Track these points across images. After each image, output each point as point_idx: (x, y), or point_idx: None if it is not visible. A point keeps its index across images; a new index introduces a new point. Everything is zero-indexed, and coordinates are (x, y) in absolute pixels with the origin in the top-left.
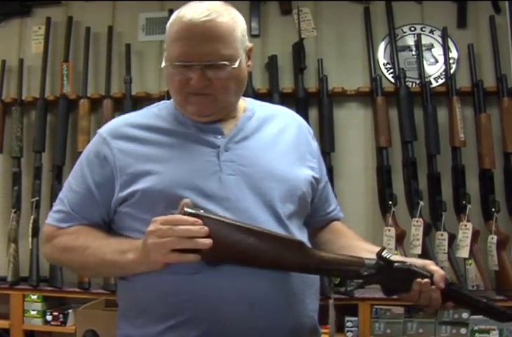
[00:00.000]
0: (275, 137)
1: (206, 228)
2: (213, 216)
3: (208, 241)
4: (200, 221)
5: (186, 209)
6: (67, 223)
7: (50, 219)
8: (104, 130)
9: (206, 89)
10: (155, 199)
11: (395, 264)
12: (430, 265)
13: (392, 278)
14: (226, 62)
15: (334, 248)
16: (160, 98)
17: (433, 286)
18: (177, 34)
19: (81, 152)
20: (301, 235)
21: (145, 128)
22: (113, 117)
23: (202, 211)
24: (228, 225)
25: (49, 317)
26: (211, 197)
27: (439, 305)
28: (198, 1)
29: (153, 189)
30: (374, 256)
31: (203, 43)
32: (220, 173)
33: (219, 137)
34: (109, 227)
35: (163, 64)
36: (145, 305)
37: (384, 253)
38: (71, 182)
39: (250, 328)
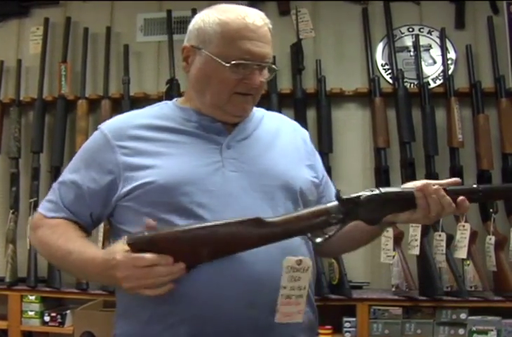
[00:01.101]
0: (273, 138)
1: (170, 258)
2: (162, 232)
3: (181, 266)
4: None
5: (129, 241)
6: (54, 213)
7: (41, 206)
8: (107, 127)
9: (254, 90)
10: (158, 193)
11: (361, 196)
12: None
13: (369, 210)
14: (274, 66)
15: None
16: (159, 99)
17: (435, 186)
18: (240, 34)
19: None
20: None
21: (148, 125)
22: (111, 118)
23: (146, 233)
24: (183, 232)
25: (47, 318)
26: (213, 192)
27: (454, 208)
28: (225, 4)
29: (156, 184)
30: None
31: (264, 45)
32: (223, 169)
33: (221, 135)
34: (108, 221)
35: (218, 61)
36: (145, 304)
37: (345, 196)
38: (67, 176)
39: (249, 326)
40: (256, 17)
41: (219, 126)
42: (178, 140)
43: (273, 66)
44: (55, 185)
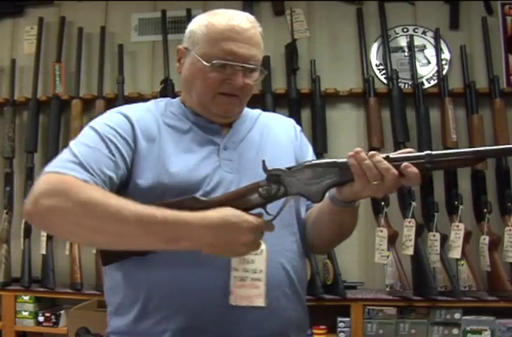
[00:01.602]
0: (266, 139)
1: None
2: None
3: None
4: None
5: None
6: (83, 174)
7: (61, 168)
8: (128, 112)
9: (238, 91)
10: (159, 192)
11: (293, 169)
12: None
13: (301, 182)
14: (262, 68)
15: (312, 218)
16: (153, 99)
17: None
18: (224, 35)
19: None
20: (297, 228)
21: (156, 125)
22: None
23: None
24: None
25: (41, 318)
26: (211, 193)
27: (395, 175)
28: (220, 9)
29: (158, 183)
30: None
31: (249, 47)
32: (220, 170)
33: (217, 136)
34: None
35: (201, 61)
36: (134, 301)
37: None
38: (86, 142)
39: (239, 320)
40: (243, 20)
41: (216, 126)
42: (182, 141)
43: (261, 68)
44: (72, 157)
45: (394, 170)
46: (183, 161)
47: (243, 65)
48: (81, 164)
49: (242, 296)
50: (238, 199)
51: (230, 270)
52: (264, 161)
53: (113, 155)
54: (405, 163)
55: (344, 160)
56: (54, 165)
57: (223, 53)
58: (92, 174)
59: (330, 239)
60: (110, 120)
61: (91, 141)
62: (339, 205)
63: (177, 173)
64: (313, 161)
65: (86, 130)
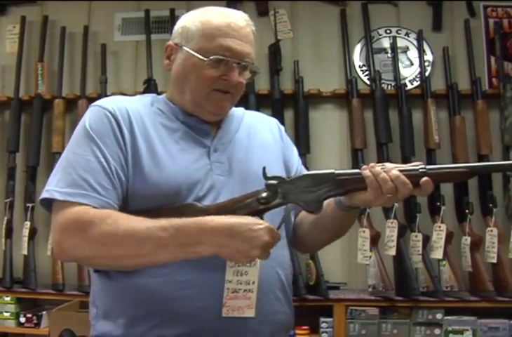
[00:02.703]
0: (253, 139)
1: None
2: None
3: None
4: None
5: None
6: (94, 199)
7: (72, 196)
8: (114, 109)
9: (232, 88)
10: (152, 196)
11: (291, 177)
12: None
13: (299, 190)
14: (256, 67)
15: (310, 220)
16: None
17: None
18: (221, 31)
19: (55, 153)
20: (285, 232)
21: (142, 119)
22: None
23: None
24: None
25: (22, 319)
26: (203, 198)
27: (409, 187)
28: (214, 7)
29: (151, 185)
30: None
31: (245, 45)
32: (211, 173)
33: (207, 137)
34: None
35: (197, 56)
36: (128, 305)
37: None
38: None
39: (231, 326)
40: (239, 18)
41: (206, 127)
42: (172, 141)
43: (255, 66)
44: (74, 176)
45: (410, 185)
46: (175, 164)
47: (239, 62)
48: (90, 186)
49: (233, 307)
50: (236, 206)
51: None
52: (264, 168)
53: (113, 163)
54: (425, 179)
55: (343, 172)
56: (64, 192)
57: (221, 49)
58: (102, 194)
59: (326, 240)
60: (98, 124)
61: (93, 155)
62: (345, 210)
63: (169, 176)
64: (312, 172)
65: (81, 138)
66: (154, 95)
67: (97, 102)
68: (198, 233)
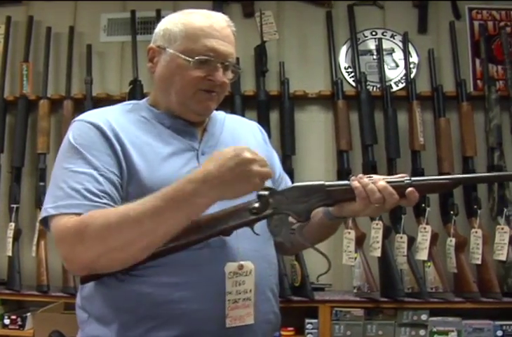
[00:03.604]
0: (237, 142)
1: None
2: None
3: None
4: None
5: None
6: (86, 207)
7: (65, 208)
8: (97, 121)
9: (217, 87)
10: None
11: (282, 188)
12: None
13: (289, 201)
14: (238, 67)
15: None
16: (122, 100)
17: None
18: (204, 32)
19: (40, 153)
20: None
21: (127, 127)
22: (73, 119)
23: None
24: None
25: (7, 321)
26: None
27: (396, 197)
28: (195, 9)
29: (145, 189)
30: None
31: (227, 45)
32: None
33: (194, 140)
34: None
35: (182, 57)
36: (123, 310)
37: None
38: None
39: (225, 327)
40: (220, 18)
41: (192, 130)
42: (159, 146)
43: (238, 67)
44: (72, 187)
45: (397, 196)
46: (166, 167)
47: (223, 62)
48: (81, 195)
49: (235, 317)
50: (228, 217)
51: (223, 276)
52: None
53: (104, 173)
54: (411, 189)
55: (332, 183)
56: (58, 206)
57: (205, 49)
58: (94, 201)
59: (305, 247)
60: (84, 137)
61: (82, 167)
62: (332, 220)
63: (162, 180)
64: (303, 183)
65: (68, 153)
66: (135, 102)
67: (78, 117)
68: (188, 186)
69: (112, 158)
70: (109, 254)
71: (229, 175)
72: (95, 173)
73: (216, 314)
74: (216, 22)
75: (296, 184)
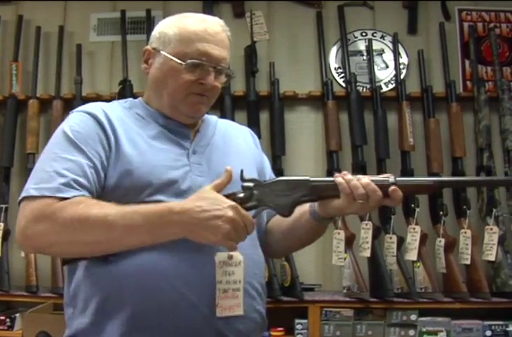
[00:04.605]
0: (229, 144)
1: None
2: None
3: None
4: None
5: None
6: (70, 192)
7: (46, 190)
8: (94, 112)
9: (209, 91)
10: (130, 193)
11: (267, 181)
12: None
13: (273, 194)
14: (231, 71)
15: (282, 229)
16: (111, 100)
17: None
18: (198, 36)
19: (29, 153)
20: (256, 233)
21: (123, 120)
22: (62, 119)
23: None
24: None
25: None
26: (183, 196)
27: (379, 194)
28: (191, 13)
29: (130, 185)
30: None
31: (221, 49)
32: (190, 173)
33: (186, 140)
34: None
35: (175, 60)
36: (108, 297)
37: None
38: (61, 154)
39: (211, 327)
40: (214, 23)
41: (185, 131)
42: (153, 141)
43: (230, 71)
44: (48, 169)
45: (380, 192)
46: (154, 163)
47: (215, 66)
48: (66, 182)
49: (225, 307)
50: None
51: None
52: (242, 171)
53: (93, 163)
54: (393, 187)
55: (317, 179)
56: (39, 188)
57: (198, 53)
58: (77, 189)
59: (296, 248)
60: (79, 125)
61: (70, 153)
62: (319, 221)
63: (149, 174)
64: (288, 177)
65: (60, 139)
66: (131, 99)
67: (76, 109)
68: (167, 217)
69: (105, 148)
70: (67, 244)
71: (203, 224)
72: (84, 162)
73: (206, 303)
74: (210, 27)
75: (281, 177)
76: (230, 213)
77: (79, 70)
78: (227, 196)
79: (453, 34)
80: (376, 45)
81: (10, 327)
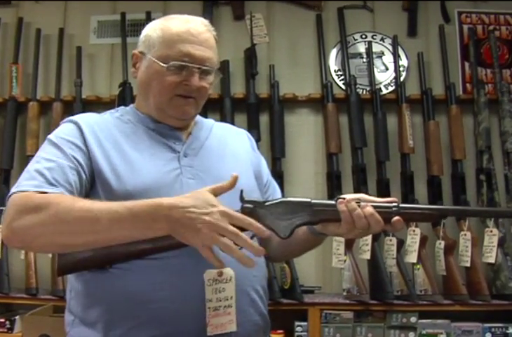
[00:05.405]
0: (224, 147)
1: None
2: None
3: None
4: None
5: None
6: (50, 189)
7: (26, 187)
8: (79, 120)
9: (194, 92)
10: (121, 199)
11: (268, 202)
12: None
13: (274, 217)
14: (217, 70)
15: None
16: (111, 102)
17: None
18: (180, 37)
19: (29, 156)
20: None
21: (108, 129)
22: (62, 121)
23: None
24: None
25: None
26: None
27: (381, 225)
28: (177, 15)
29: (120, 190)
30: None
31: (205, 49)
32: (181, 176)
33: (178, 143)
34: None
35: (158, 63)
36: (105, 309)
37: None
38: (45, 156)
39: (207, 336)
40: (198, 23)
41: (176, 134)
42: (140, 147)
43: (216, 70)
44: (35, 168)
45: (382, 223)
46: (147, 166)
47: (199, 67)
48: (46, 180)
49: (216, 325)
50: None
51: (200, 275)
52: (242, 191)
53: (75, 165)
54: (397, 218)
55: (319, 202)
56: (20, 185)
57: (180, 55)
58: (57, 186)
59: (294, 256)
60: (64, 132)
61: (52, 155)
62: (316, 235)
63: (139, 180)
64: (289, 198)
65: (45, 145)
66: (122, 107)
67: (63, 120)
68: (154, 211)
69: (86, 155)
70: (52, 236)
71: (187, 223)
72: (65, 163)
73: (197, 320)
74: (193, 27)
75: (282, 199)
76: (213, 218)
77: (79, 72)
78: None
79: (453, 36)
80: (376, 48)
81: (10, 329)
